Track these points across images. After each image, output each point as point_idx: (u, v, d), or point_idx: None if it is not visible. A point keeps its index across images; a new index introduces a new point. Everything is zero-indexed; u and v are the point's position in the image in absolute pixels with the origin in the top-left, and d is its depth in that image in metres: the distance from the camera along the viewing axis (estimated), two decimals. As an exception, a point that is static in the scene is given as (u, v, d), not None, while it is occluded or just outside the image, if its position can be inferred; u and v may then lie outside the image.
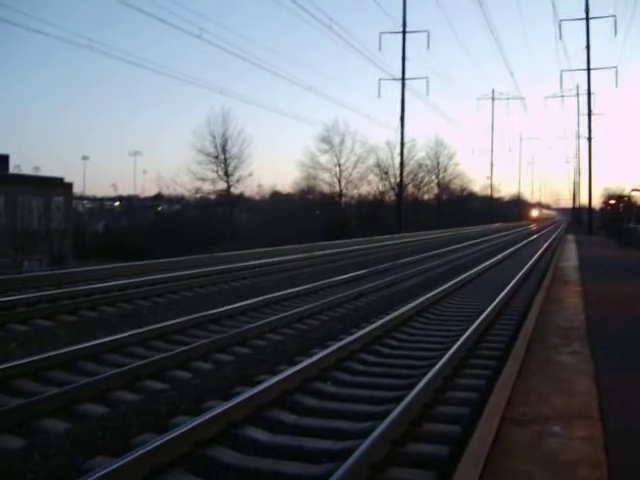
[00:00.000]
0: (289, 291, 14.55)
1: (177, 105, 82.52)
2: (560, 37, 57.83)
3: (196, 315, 11.08)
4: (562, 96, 62.71)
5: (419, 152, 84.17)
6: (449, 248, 32.17)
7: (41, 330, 10.45)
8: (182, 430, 5.26)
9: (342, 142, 72.81)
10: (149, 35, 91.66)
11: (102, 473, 4.41)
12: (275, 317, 11.33)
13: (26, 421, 6.06)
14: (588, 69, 53.23)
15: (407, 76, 53.96)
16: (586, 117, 55.33)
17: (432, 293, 14.17)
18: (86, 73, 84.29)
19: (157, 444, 4.95)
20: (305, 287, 15.41)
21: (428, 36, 53.91)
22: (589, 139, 54.73)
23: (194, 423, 5.43)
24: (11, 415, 6.07)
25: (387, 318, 10.86)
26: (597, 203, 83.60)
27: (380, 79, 55.23)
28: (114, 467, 4.52)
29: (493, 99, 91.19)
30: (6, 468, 5.02)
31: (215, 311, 11.59)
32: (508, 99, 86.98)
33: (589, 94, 54.33)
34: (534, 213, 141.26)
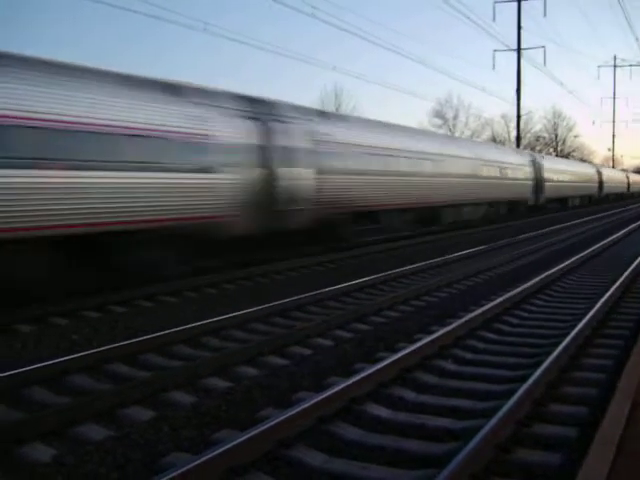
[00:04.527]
0: (406, 268, 14.47)
1: (289, 84, 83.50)
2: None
3: (314, 292, 11.17)
4: (692, 60, 58.31)
5: (536, 124, 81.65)
6: (570, 223, 31.13)
7: (166, 306, 10.82)
8: (305, 406, 5.31)
9: (456, 116, 71.81)
10: (261, 14, 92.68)
11: (229, 446, 4.51)
12: (392, 294, 11.31)
13: (154, 394, 6.28)
14: None
15: (523, 46, 51.93)
16: None
17: (553, 270, 13.74)
18: (200, 54, 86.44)
19: (281, 419, 5.01)
20: (422, 264, 15.28)
21: (545, 3, 51.55)
22: None
23: (317, 399, 5.47)
24: (141, 388, 6.32)
25: (507, 295, 10.61)
26: None
27: (495, 50, 53.58)
28: (240, 440, 4.61)
29: (615, 67, 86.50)
30: (138, 438, 5.21)
31: (333, 288, 11.66)
32: (631, 66, 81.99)
33: None
34: None
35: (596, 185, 55.78)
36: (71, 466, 4.73)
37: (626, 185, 74.55)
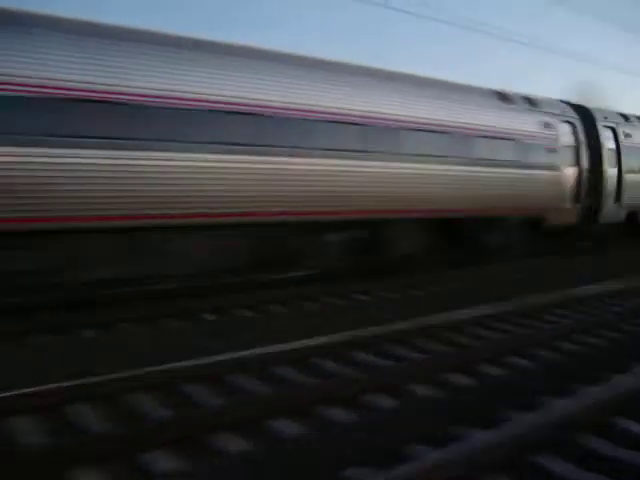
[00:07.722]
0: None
1: (524, 72, 79.44)
2: None
3: (559, 294, 10.81)
4: None
5: None
6: None
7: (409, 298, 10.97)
8: (553, 412, 5.12)
9: None
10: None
11: (472, 444, 4.46)
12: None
13: (397, 386, 6.35)
14: None
15: None
16: None
17: None
18: (420, 41, 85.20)
19: (526, 423, 4.87)
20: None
21: None
22: None
23: (565, 406, 5.25)
24: (382, 377, 6.45)
25: None
26: None
27: None
28: (483, 439, 4.55)
29: None
30: (378, 422, 5.33)
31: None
32: None
33: None
34: None
35: None
36: (317, 443, 4.93)
37: None
